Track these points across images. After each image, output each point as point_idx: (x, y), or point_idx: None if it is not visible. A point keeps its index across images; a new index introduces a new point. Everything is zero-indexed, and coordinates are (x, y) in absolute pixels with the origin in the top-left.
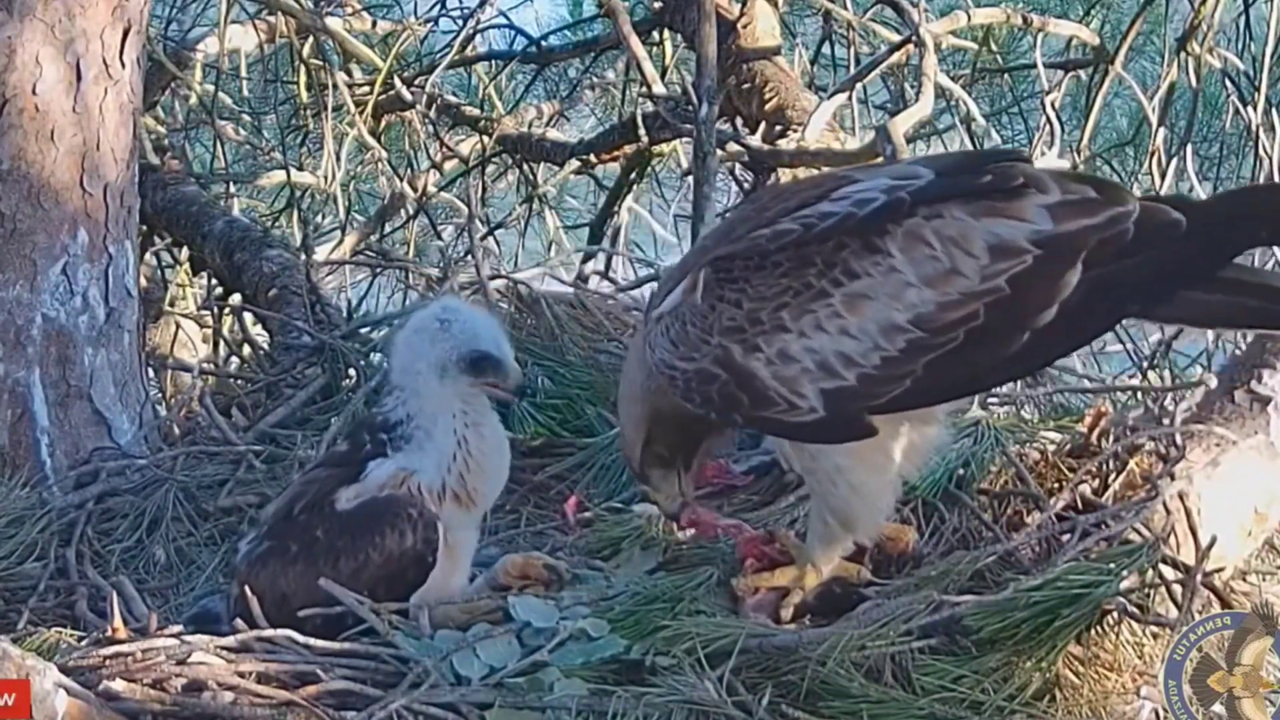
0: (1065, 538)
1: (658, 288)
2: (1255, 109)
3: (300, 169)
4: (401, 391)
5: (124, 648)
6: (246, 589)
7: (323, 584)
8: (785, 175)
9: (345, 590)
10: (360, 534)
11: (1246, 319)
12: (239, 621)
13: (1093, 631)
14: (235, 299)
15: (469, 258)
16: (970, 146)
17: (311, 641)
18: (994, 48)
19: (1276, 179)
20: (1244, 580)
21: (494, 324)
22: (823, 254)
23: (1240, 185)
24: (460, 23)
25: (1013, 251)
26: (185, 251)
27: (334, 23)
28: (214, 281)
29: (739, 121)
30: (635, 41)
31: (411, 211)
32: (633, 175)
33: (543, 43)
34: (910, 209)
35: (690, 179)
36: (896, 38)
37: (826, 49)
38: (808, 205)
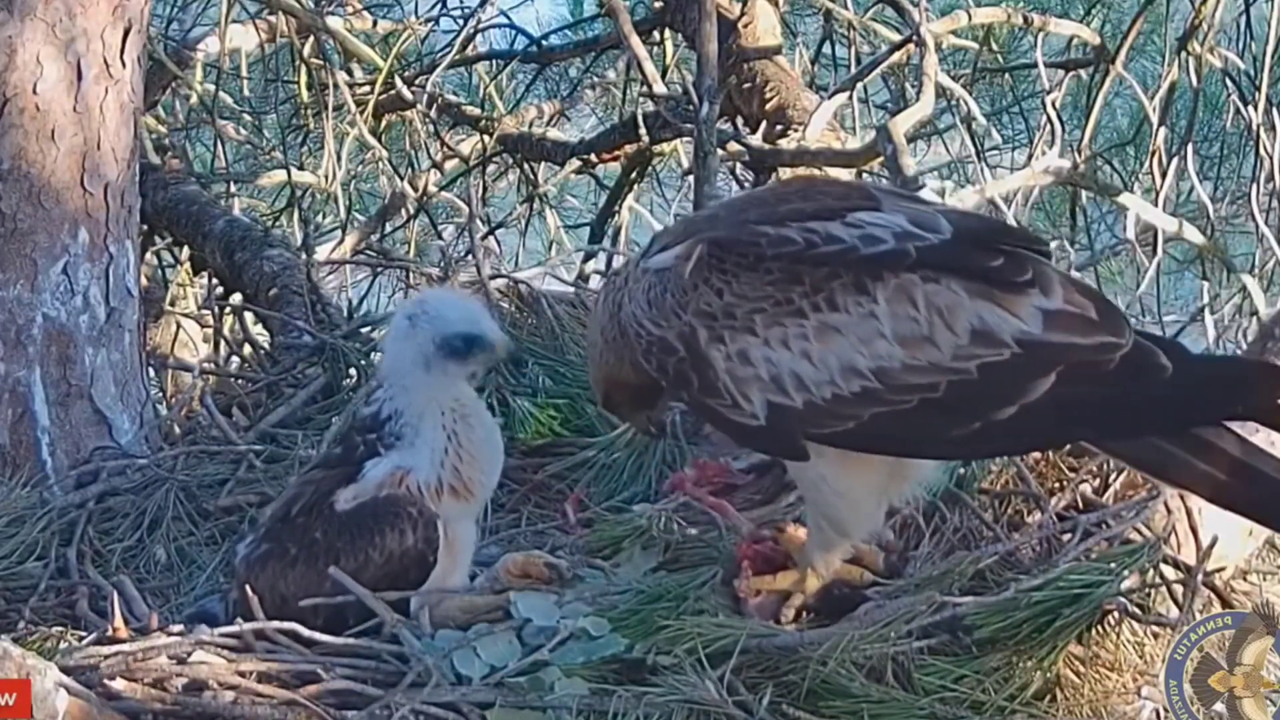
0: (1066, 537)
1: (655, 238)
2: (1256, 108)
3: (301, 168)
4: (388, 389)
5: (125, 647)
6: (247, 588)
7: (332, 572)
8: (786, 175)
9: (354, 581)
10: (360, 534)
11: (1203, 487)
12: (240, 620)
13: (1094, 631)
14: (236, 298)
15: (470, 257)
16: (971, 146)
17: (313, 640)
18: (995, 47)
19: (1277, 179)
20: (1245, 580)
21: (468, 304)
22: (813, 277)
23: (1242, 185)
24: (461, 22)
25: (993, 342)
26: (186, 251)
27: (335, 22)
28: (215, 281)
29: (740, 121)
30: (636, 41)
31: (412, 211)
32: (633, 175)
33: (543, 42)
34: (911, 265)
35: (691, 178)
36: (897, 37)
37: (827, 48)
38: (821, 218)
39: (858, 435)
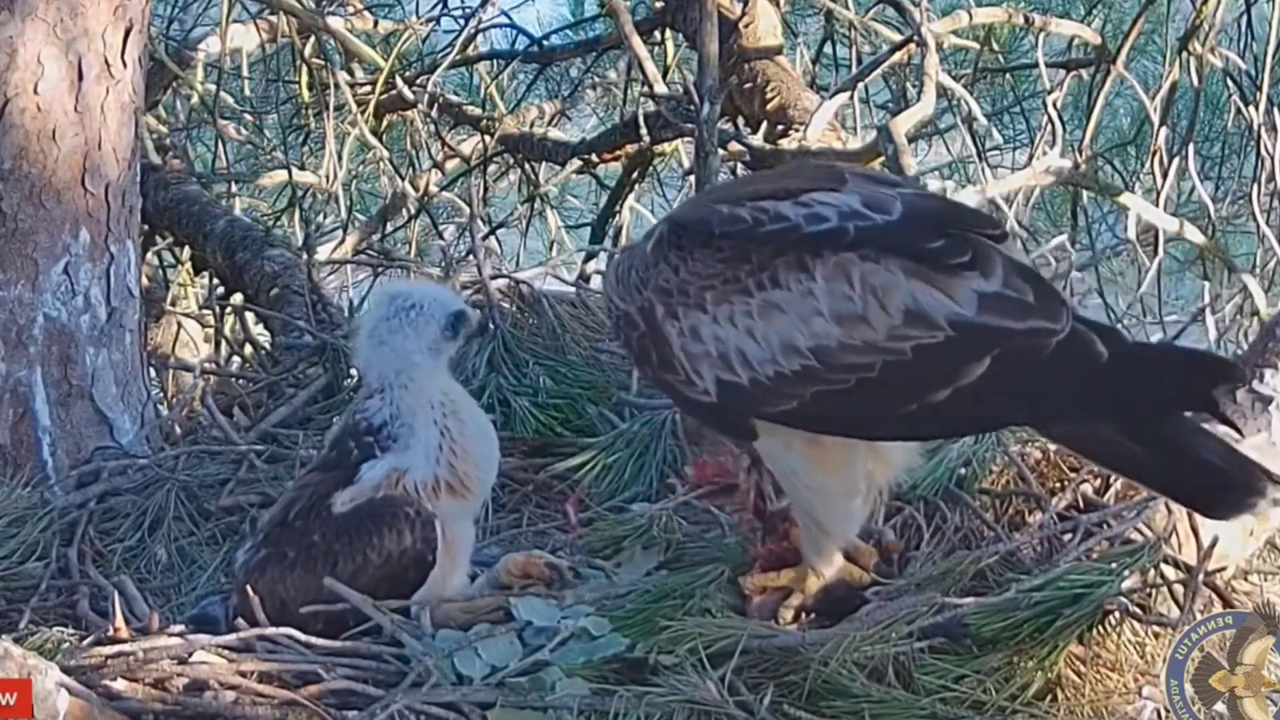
0: (1067, 537)
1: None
2: (1257, 108)
3: (302, 168)
4: (385, 393)
5: (126, 647)
6: (248, 589)
7: (328, 583)
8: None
9: (352, 590)
10: (358, 536)
11: (1135, 470)
12: (240, 622)
13: (1094, 631)
14: (237, 298)
15: (471, 257)
16: (972, 146)
17: (313, 640)
18: (995, 47)
19: (1278, 178)
20: (1246, 580)
21: (437, 284)
22: (759, 255)
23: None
24: (462, 22)
25: (926, 323)
26: (187, 251)
27: (336, 22)
28: (215, 281)
29: (740, 121)
30: (637, 41)
31: (413, 211)
32: (634, 174)
33: (544, 42)
34: (849, 244)
35: (692, 178)
36: (898, 37)
37: (828, 48)
38: (775, 198)
39: (802, 415)
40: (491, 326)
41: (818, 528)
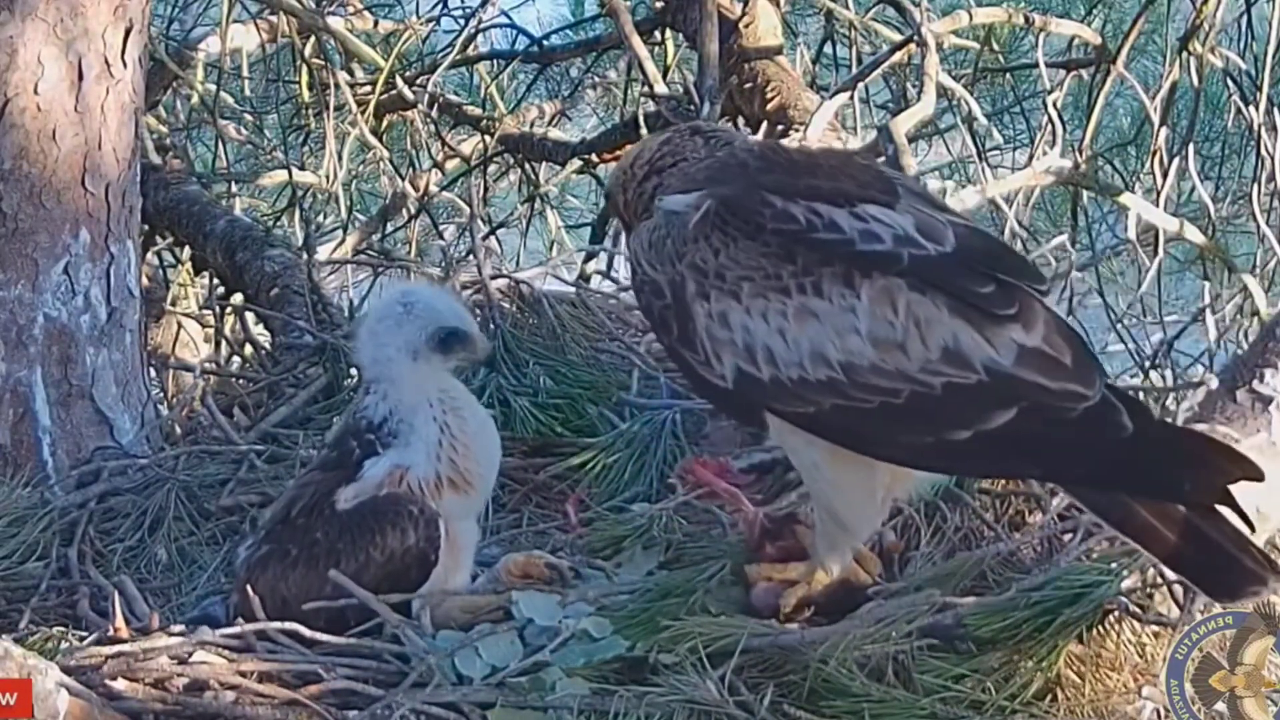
0: (1067, 537)
1: (683, 173)
2: (1257, 108)
3: (302, 168)
4: (378, 386)
5: (126, 647)
6: (249, 589)
7: (332, 575)
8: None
9: (355, 584)
10: (361, 534)
11: (1149, 543)
12: (241, 621)
13: (1094, 631)
14: (237, 298)
15: (471, 257)
16: (972, 146)
17: (313, 639)
18: (996, 47)
19: (1279, 178)
20: None
21: (454, 300)
22: (806, 259)
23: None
24: (462, 22)
25: (962, 364)
26: (187, 251)
27: (336, 22)
28: (216, 281)
29: (741, 121)
30: (637, 41)
31: (413, 211)
32: None
33: (544, 42)
34: (901, 271)
35: None
36: (898, 37)
37: (828, 48)
38: (832, 203)
39: (815, 422)
40: (496, 360)
41: (836, 523)
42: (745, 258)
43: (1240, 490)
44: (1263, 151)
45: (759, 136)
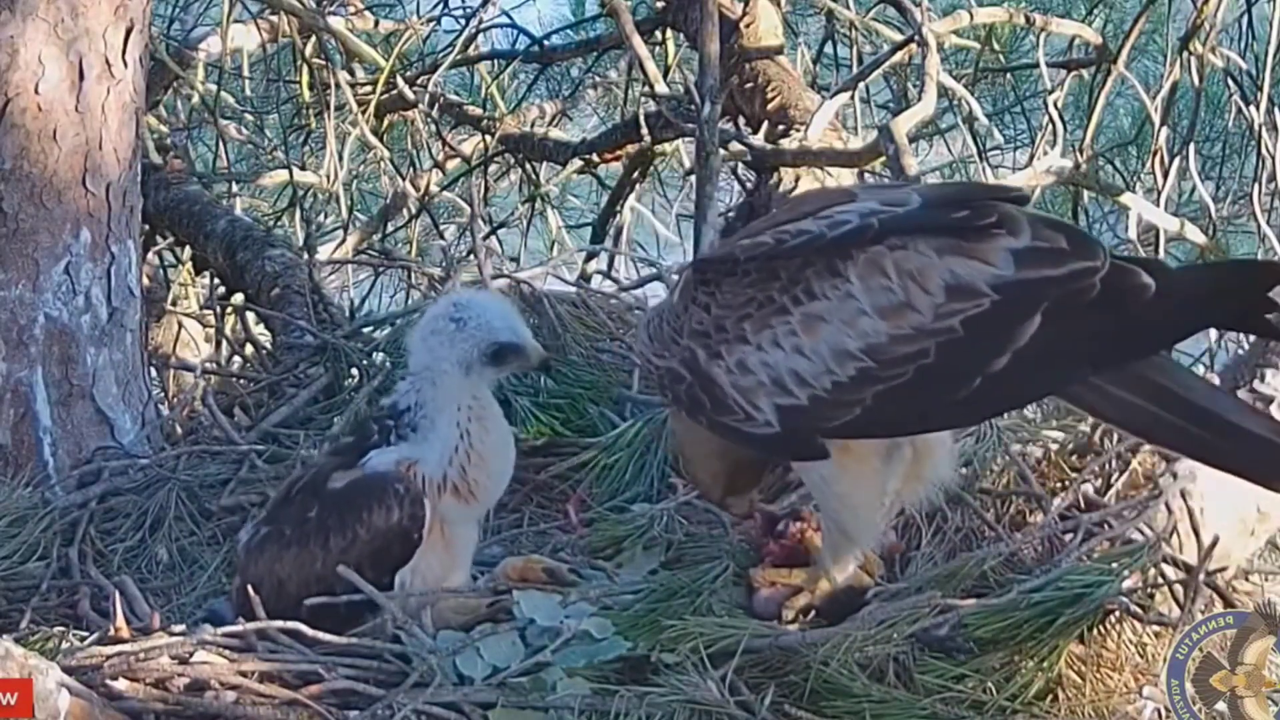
0: (1068, 537)
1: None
2: (1258, 108)
3: (303, 168)
4: (416, 380)
5: (127, 647)
6: (249, 588)
7: (341, 571)
8: (787, 175)
9: (362, 579)
10: (348, 511)
11: (1187, 446)
12: (241, 619)
13: (1095, 631)
14: (238, 298)
15: (471, 257)
16: (973, 146)
17: (315, 639)
18: (996, 47)
19: (1279, 178)
20: (1246, 579)
21: (507, 308)
22: (788, 270)
23: (1243, 176)
24: (463, 22)
25: (970, 294)
26: (188, 251)
27: (336, 22)
28: (216, 281)
29: (741, 121)
30: (638, 41)
31: (414, 211)
32: (635, 174)
33: (545, 42)
34: (876, 236)
35: (693, 178)
36: (899, 37)
37: (829, 48)
38: (793, 221)
39: (868, 421)
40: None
41: (842, 534)
42: (734, 298)
43: (1240, 490)
44: (1263, 151)
45: (759, 136)
